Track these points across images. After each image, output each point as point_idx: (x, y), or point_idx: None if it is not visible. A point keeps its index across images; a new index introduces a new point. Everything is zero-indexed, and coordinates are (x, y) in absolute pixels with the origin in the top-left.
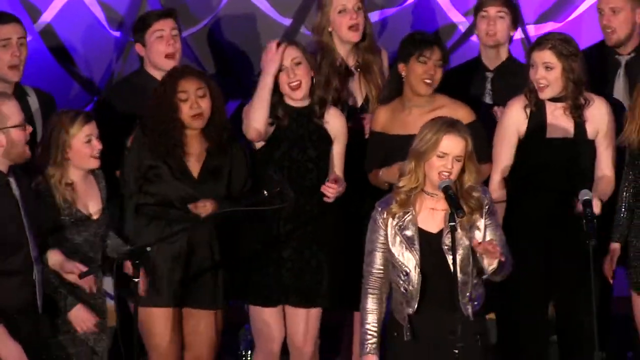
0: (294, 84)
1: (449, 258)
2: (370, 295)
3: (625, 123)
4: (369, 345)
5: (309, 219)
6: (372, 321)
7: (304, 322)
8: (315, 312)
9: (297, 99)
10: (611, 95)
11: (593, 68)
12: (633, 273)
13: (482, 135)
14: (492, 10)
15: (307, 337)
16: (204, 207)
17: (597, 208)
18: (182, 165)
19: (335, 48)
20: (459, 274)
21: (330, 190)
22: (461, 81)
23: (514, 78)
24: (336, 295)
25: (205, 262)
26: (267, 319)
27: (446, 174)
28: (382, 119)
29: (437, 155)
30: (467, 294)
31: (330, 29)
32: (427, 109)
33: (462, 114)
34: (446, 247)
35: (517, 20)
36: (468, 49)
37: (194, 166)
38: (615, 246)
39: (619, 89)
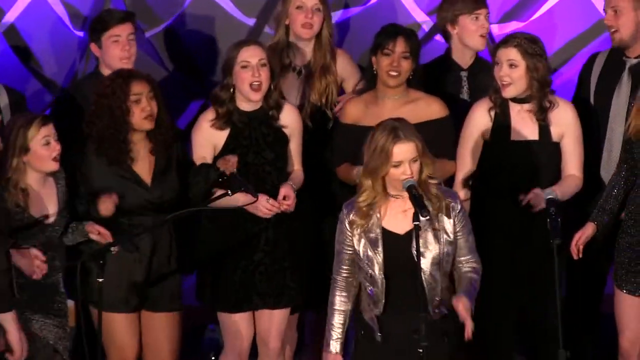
0: (256, 84)
1: (419, 260)
2: (338, 295)
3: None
4: (333, 343)
5: (272, 221)
6: (337, 320)
7: (273, 321)
8: (283, 312)
9: (253, 100)
10: (611, 99)
11: (600, 71)
12: (619, 269)
13: (451, 132)
14: (483, 12)
15: (276, 336)
16: (229, 163)
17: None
18: (132, 171)
19: (288, 44)
20: (428, 276)
21: (285, 208)
22: (431, 78)
23: (486, 76)
24: (304, 294)
25: (164, 265)
26: (236, 320)
27: (408, 178)
28: (352, 111)
29: (392, 166)
30: (437, 297)
31: (287, 23)
32: (401, 101)
33: (436, 108)
34: (414, 250)
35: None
36: (432, 48)
37: (144, 172)
38: (591, 225)
39: (621, 92)
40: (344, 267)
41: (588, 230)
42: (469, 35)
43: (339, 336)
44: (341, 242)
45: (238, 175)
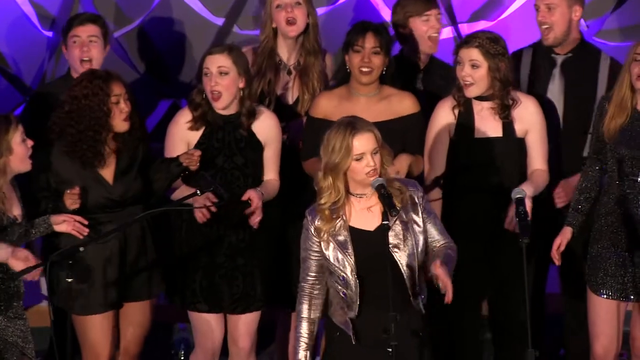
0: (214, 93)
1: (395, 255)
2: (305, 303)
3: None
4: (301, 352)
5: (240, 225)
6: (305, 329)
7: (242, 324)
8: (253, 315)
9: (216, 108)
10: (545, 95)
11: (529, 67)
12: (594, 273)
13: (423, 127)
14: (434, 13)
15: (245, 335)
16: (192, 157)
17: (529, 202)
18: (94, 170)
19: (276, 45)
20: (406, 268)
21: (254, 222)
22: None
23: (441, 77)
24: (271, 295)
25: (138, 256)
26: (205, 319)
27: (372, 171)
28: (323, 105)
29: (354, 159)
30: (415, 288)
31: (274, 25)
32: (374, 98)
33: (408, 103)
34: (390, 245)
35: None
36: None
37: (106, 170)
38: (569, 229)
39: (554, 89)
40: (311, 275)
41: (567, 235)
42: (420, 37)
43: (308, 345)
44: (307, 249)
45: (208, 175)
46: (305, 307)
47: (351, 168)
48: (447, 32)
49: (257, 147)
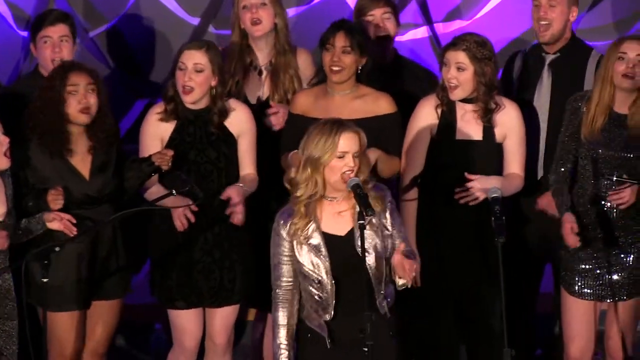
0: (187, 87)
1: (366, 258)
2: (281, 309)
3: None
4: (283, 359)
5: (215, 220)
6: (283, 335)
7: (220, 319)
8: (229, 308)
9: (186, 101)
10: (533, 94)
11: (521, 68)
12: (570, 274)
13: (399, 129)
14: (378, 13)
15: (221, 331)
16: (165, 157)
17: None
18: (70, 165)
19: (246, 45)
20: (374, 271)
21: (237, 220)
22: None
23: (407, 78)
24: (250, 291)
25: (109, 256)
26: (183, 317)
27: (349, 172)
28: (302, 102)
29: (337, 156)
30: (382, 292)
31: (243, 26)
32: (350, 96)
33: (384, 104)
34: (359, 249)
35: (397, 16)
36: None
37: (83, 165)
38: (570, 215)
39: (542, 88)
40: (285, 280)
41: (573, 218)
42: (370, 36)
43: (289, 352)
44: (279, 255)
45: (183, 174)
46: (281, 314)
47: (331, 165)
48: (423, 32)
49: (230, 141)
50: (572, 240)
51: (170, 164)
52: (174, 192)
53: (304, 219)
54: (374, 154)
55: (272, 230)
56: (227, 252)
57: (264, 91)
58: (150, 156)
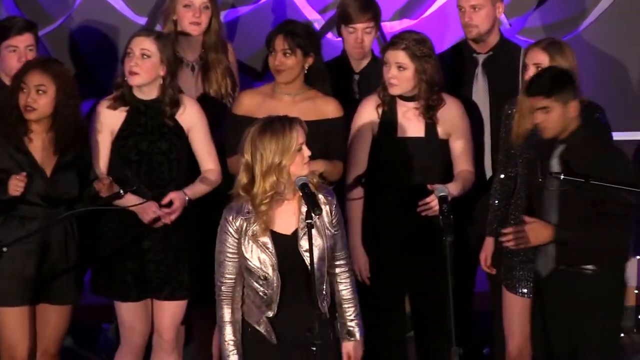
0: (132, 72)
1: (306, 258)
2: (226, 306)
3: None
4: (233, 355)
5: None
6: (231, 332)
7: (168, 314)
8: (177, 304)
9: (130, 83)
10: (470, 95)
11: (452, 68)
12: (505, 269)
13: (344, 133)
14: (360, 27)
15: (169, 327)
16: (104, 185)
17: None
18: (33, 161)
19: (177, 39)
20: (316, 271)
21: (167, 219)
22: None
23: (378, 79)
24: (199, 286)
25: (59, 259)
26: (131, 313)
27: (309, 159)
28: (247, 103)
29: (297, 151)
30: (323, 292)
31: (174, 18)
32: (297, 98)
33: (330, 108)
34: (302, 249)
35: (379, 26)
36: (323, 46)
37: (46, 162)
38: (490, 240)
39: (478, 89)
40: (229, 277)
41: (490, 246)
42: (347, 44)
43: (237, 348)
44: (224, 252)
45: (130, 174)
46: (227, 310)
47: (296, 162)
48: None
49: (180, 134)
50: (487, 269)
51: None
52: (121, 191)
53: (255, 218)
54: (319, 166)
55: (218, 229)
56: (176, 246)
57: (198, 86)
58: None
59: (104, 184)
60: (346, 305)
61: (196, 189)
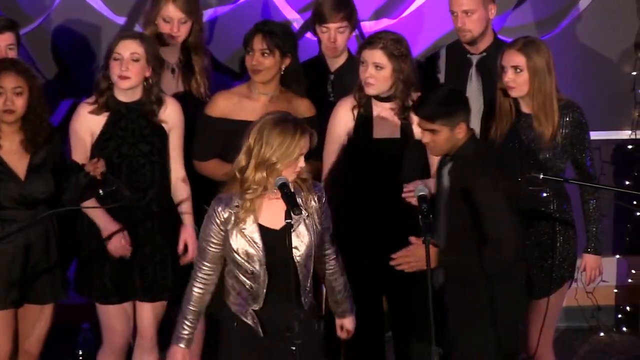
0: (123, 76)
1: (294, 255)
2: (196, 289)
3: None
4: (184, 337)
5: (147, 214)
6: (192, 316)
7: (149, 312)
8: (161, 304)
9: (121, 87)
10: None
11: (446, 69)
12: None
13: (318, 132)
14: (333, 27)
15: (150, 325)
16: (96, 166)
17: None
18: (5, 164)
19: (158, 42)
20: (302, 267)
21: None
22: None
23: (353, 78)
24: (182, 286)
25: (41, 258)
26: (113, 314)
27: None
28: (223, 104)
29: (295, 159)
30: (307, 288)
31: (156, 22)
32: (275, 97)
33: (303, 108)
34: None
35: (355, 26)
36: (303, 45)
37: (18, 164)
38: None
39: (472, 89)
40: (207, 264)
41: None
42: (322, 43)
43: (191, 332)
44: (208, 240)
45: (109, 174)
46: (194, 293)
47: (289, 168)
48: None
49: (161, 134)
50: None
51: (103, 171)
52: (100, 191)
53: (246, 212)
54: None
55: (205, 215)
56: (159, 247)
57: (179, 87)
58: (83, 166)
59: (93, 163)
60: (338, 292)
61: (189, 210)
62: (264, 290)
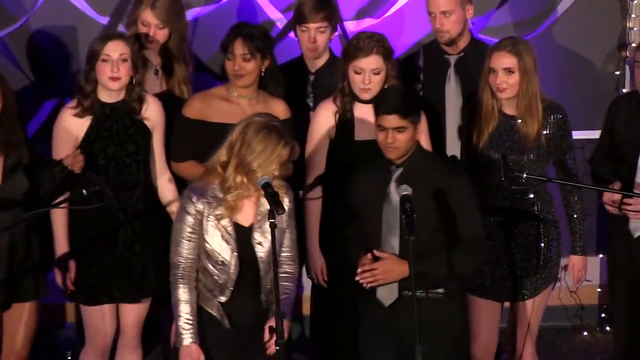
0: (115, 75)
1: (257, 251)
2: (182, 286)
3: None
4: (189, 334)
5: (133, 214)
6: (187, 311)
7: (132, 311)
8: (143, 304)
9: (112, 88)
10: (442, 96)
11: (424, 69)
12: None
13: (293, 133)
14: (312, 27)
15: (133, 325)
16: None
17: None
18: None
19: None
20: (265, 265)
21: None
22: (285, 79)
23: (334, 78)
24: (165, 286)
25: (25, 257)
26: (96, 315)
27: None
28: (199, 107)
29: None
30: (267, 285)
31: (138, 24)
32: (254, 100)
33: (279, 110)
34: (255, 242)
35: (336, 26)
36: (286, 46)
37: None
38: None
39: (451, 90)
40: (188, 256)
41: None
42: (301, 44)
43: (192, 326)
44: (183, 230)
45: (93, 174)
46: (182, 290)
47: (265, 172)
48: None
49: (146, 133)
50: None
51: (82, 164)
52: (84, 191)
53: (227, 209)
54: None
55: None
56: (143, 247)
57: (163, 87)
58: (61, 160)
59: (74, 156)
60: (282, 293)
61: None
62: (233, 283)
